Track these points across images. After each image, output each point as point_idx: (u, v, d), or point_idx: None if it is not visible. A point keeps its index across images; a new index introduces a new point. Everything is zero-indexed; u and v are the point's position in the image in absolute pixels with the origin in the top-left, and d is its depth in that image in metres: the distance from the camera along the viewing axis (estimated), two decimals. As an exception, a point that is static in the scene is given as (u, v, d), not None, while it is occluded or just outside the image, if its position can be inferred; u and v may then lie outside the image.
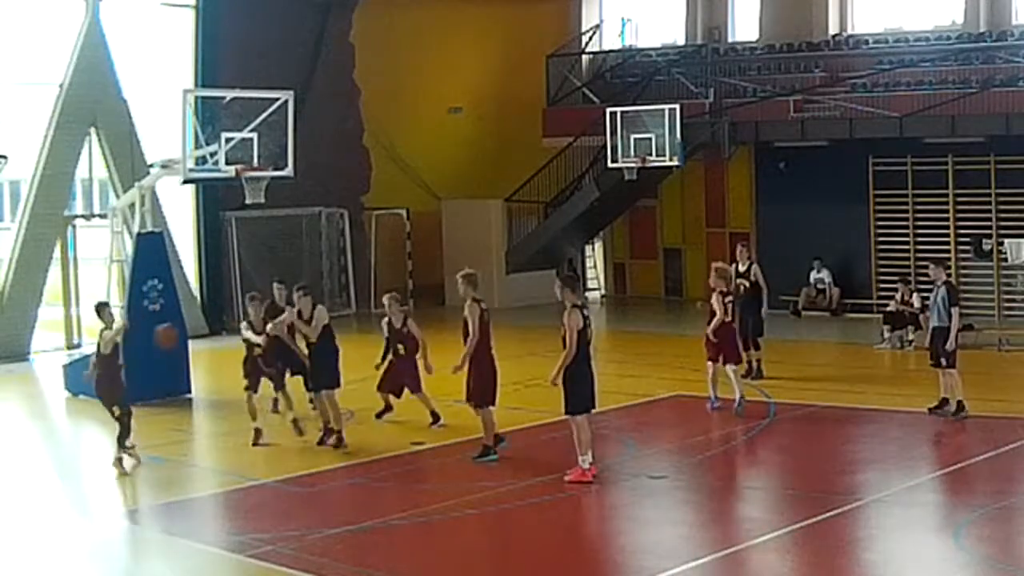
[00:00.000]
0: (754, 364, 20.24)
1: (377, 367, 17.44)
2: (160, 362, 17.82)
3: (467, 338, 14.77)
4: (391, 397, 17.61)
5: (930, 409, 17.01)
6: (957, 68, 27.19)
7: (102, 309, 15.80)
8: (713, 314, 17.92)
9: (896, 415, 17.60)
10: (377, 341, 17.99)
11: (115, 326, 15.46)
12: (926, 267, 26.12)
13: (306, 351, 16.35)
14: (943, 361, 16.86)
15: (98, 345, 15.51)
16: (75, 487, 15.32)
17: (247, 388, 16.50)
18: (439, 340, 25.74)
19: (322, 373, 16.00)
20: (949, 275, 17.57)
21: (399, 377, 17.42)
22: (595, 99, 31.51)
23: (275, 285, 18.43)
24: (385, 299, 17.95)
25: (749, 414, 17.81)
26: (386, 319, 17.64)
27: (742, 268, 20.42)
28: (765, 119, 28.38)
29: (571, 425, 13.95)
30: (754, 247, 29.66)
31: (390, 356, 17.46)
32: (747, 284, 20.23)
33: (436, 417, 17.17)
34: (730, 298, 18.14)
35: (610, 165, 27.67)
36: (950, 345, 16.73)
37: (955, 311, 16.84)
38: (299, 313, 16.04)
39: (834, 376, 21.06)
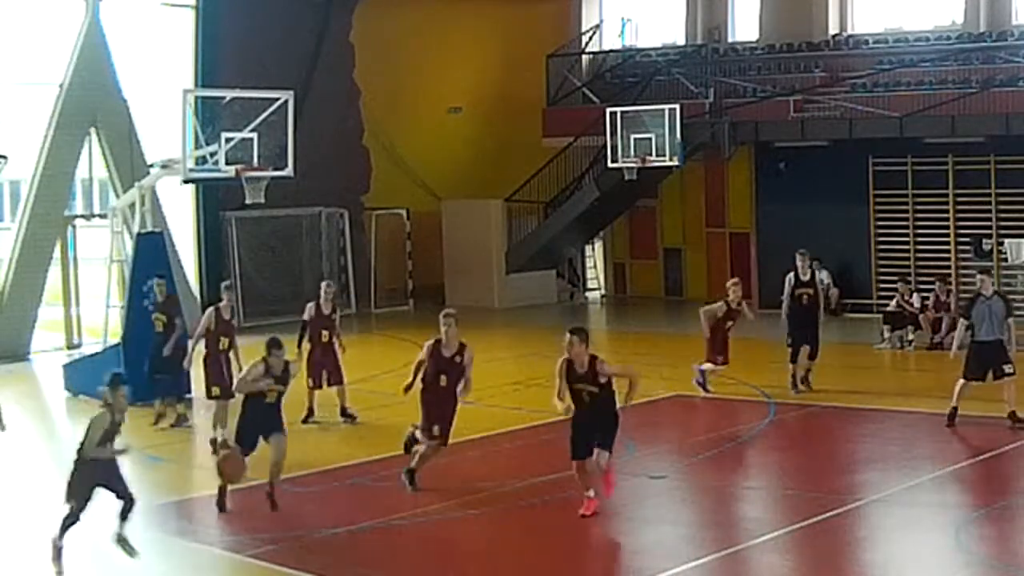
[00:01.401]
0: (800, 374, 19.34)
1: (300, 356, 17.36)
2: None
3: (461, 378, 13.79)
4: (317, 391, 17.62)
5: (1013, 422, 16.31)
6: (957, 68, 27.19)
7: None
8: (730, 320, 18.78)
9: (896, 415, 17.60)
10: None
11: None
12: (926, 267, 26.49)
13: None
14: (1008, 369, 16.34)
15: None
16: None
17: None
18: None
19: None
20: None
21: (321, 367, 17.48)
22: (595, 99, 31.51)
23: (156, 280, 18.34)
24: (324, 285, 18.09)
25: (749, 414, 17.83)
26: (312, 304, 17.65)
27: (804, 278, 19.31)
28: (765, 119, 28.37)
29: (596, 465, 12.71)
30: (754, 247, 29.73)
31: (307, 344, 17.47)
32: (810, 294, 19.28)
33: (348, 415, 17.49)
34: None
35: (610, 165, 27.67)
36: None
37: (1011, 322, 16.56)
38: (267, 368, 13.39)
39: (834, 376, 21.05)
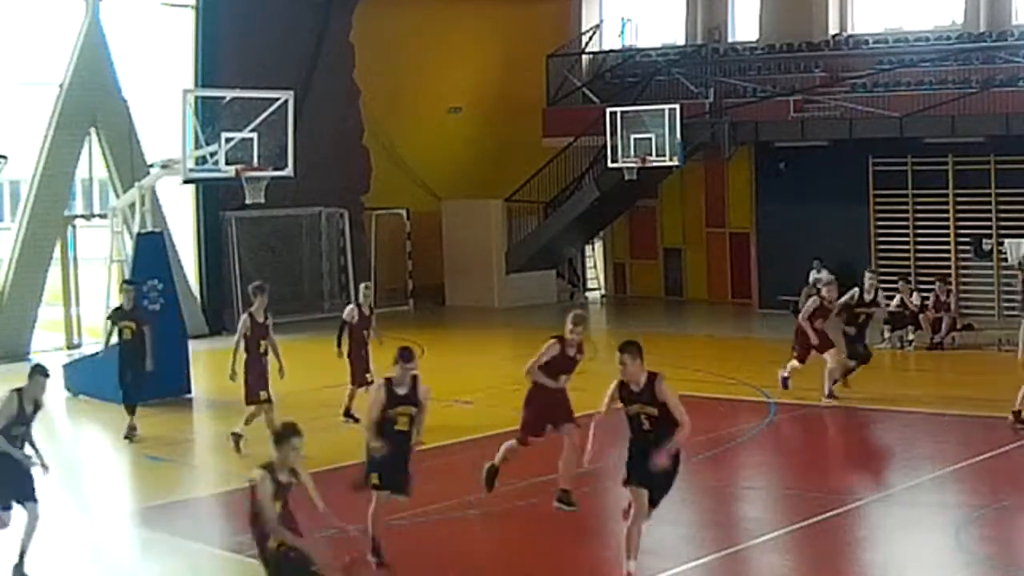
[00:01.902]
0: (836, 376, 18.93)
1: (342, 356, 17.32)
2: (160, 362, 17.80)
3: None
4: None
5: (1015, 421, 16.07)
6: (957, 68, 27.20)
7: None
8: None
9: (896, 415, 17.60)
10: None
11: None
12: (926, 267, 26.47)
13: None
14: None
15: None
16: (75, 487, 15.31)
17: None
18: (439, 340, 25.82)
19: None
20: None
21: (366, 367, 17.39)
22: (595, 99, 31.51)
23: (125, 286, 18.11)
24: (363, 287, 17.86)
25: (749, 414, 17.84)
26: (353, 307, 17.52)
27: (868, 297, 19.28)
28: (765, 119, 28.38)
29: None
30: (754, 247, 29.74)
31: (347, 344, 17.29)
32: (869, 313, 19.25)
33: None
34: None
35: (610, 165, 27.69)
36: None
37: None
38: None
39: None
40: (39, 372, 11.64)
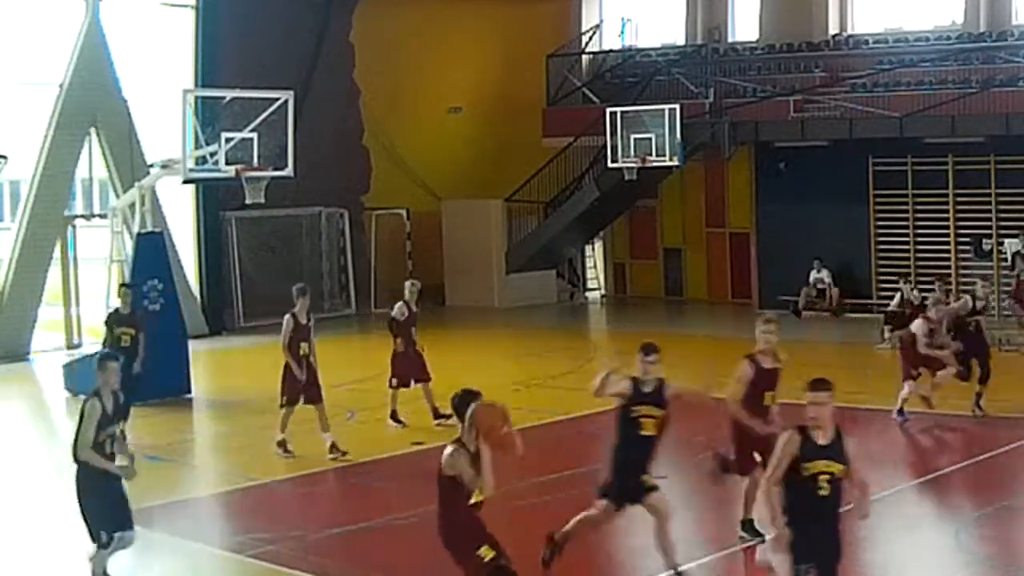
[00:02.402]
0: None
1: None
2: (160, 362, 17.78)
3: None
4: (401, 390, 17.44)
5: None
6: (957, 68, 27.21)
7: None
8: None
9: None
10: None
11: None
12: (926, 267, 26.48)
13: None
14: None
15: None
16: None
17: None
18: (439, 340, 25.82)
19: None
20: None
21: (413, 365, 17.33)
22: (595, 99, 31.52)
23: (121, 289, 18.00)
24: (409, 284, 17.67)
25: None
26: (402, 304, 17.38)
27: (980, 305, 18.60)
28: (765, 119, 28.38)
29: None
30: (754, 247, 29.74)
31: (399, 346, 17.24)
32: (978, 321, 18.54)
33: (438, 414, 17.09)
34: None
35: (610, 165, 27.72)
36: None
37: None
38: None
39: (834, 376, 20.97)
40: (108, 359, 10.98)
